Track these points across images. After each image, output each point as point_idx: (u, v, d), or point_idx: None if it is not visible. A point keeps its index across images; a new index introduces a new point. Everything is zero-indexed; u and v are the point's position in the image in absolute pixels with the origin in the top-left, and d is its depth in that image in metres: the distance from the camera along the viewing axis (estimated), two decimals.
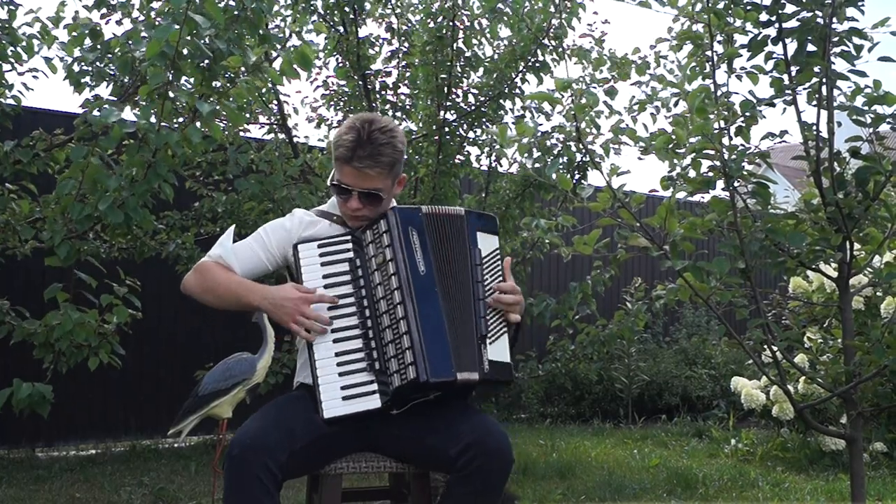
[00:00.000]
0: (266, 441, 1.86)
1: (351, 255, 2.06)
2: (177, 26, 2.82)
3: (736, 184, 2.45)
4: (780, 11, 2.47)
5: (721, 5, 2.50)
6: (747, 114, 2.44)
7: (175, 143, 2.89)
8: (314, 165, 4.82)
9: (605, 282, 4.23)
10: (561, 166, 4.32)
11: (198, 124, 3.03)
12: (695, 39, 2.53)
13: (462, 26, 4.47)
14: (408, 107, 4.82)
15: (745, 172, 2.42)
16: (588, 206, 2.51)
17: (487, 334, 2.02)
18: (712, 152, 2.38)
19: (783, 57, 2.51)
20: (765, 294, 5.65)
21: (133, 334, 3.59)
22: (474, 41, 4.55)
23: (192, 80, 3.15)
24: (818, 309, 4.50)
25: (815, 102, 2.48)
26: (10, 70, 3.64)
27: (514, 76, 4.60)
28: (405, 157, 2.16)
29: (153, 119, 2.92)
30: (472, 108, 4.62)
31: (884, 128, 2.40)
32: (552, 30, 4.49)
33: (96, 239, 3.88)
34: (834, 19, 2.41)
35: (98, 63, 3.59)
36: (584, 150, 4.13)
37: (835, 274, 2.63)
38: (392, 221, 2.03)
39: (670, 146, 2.43)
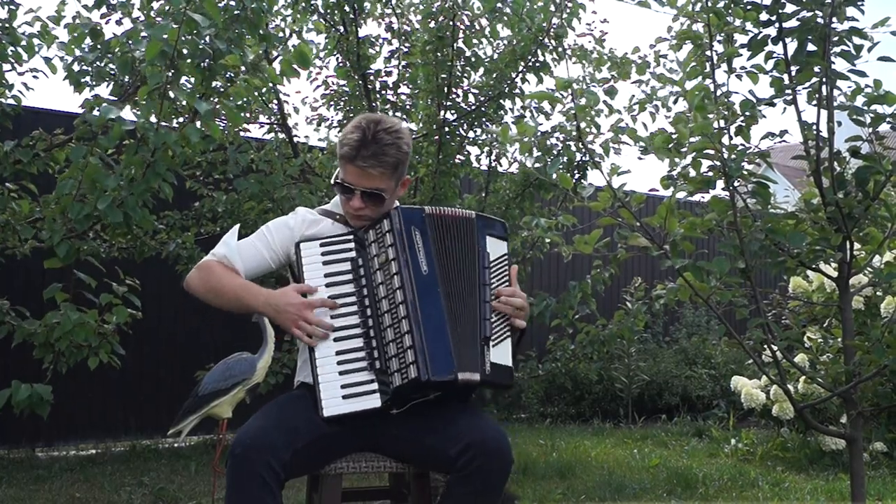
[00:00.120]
0: (269, 440, 1.86)
1: (353, 254, 2.06)
2: (175, 25, 2.82)
3: (736, 183, 2.45)
4: (780, 11, 2.47)
5: (721, 5, 2.50)
6: (747, 113, 2.44)
7: (174, 143, 2.89)
8: (314, 165, 4.82)
9: (605, 281, 4.23)
10: (561, 166, 4.32)
11: (197, 124, 3.03)
12: (694, 39, 2.53)
13: (462, 26, 4.47)
14: (408, 107, 4.82)
15: (745, 172, 2.42)
16: (588, 205, 2.51)
17: (491, 336, 2.02)
18: (712, 152, 2.38)
19: (783, 56, 2.51)
20: (765, 294, 5.65)
21: (133, 334, 3.59)
22: (474, 41, 4.55)
23: (191, 79, 3.15)
24: (818, 309, 4.51)
25: (815, 102, 2.48)
26: (10, 70, 3.64)
27: (514, 76, 4.60)
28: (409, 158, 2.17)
29: (153, 119, 2.92)
30: (473, 107, 4.62)
31: (884, 127, 2.40)
32: (552, 29, 4.49)
33: (96, 239, 3.87)
34: (834, 19, 2.41)
35: (98, 63, 3.59)
36: (584, 150, 4.13)
37: (835, 274, 2.63)
38: (395, 221, 2.03)
39: (671, 145, 2.43)
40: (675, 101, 2.89)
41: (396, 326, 1.97)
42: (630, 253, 2.62)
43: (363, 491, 2.46)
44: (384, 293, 2.01)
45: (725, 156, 2.39)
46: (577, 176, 4.46)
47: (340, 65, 4.86)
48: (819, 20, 2.43)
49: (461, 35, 4.46)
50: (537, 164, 4.29)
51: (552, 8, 4.45)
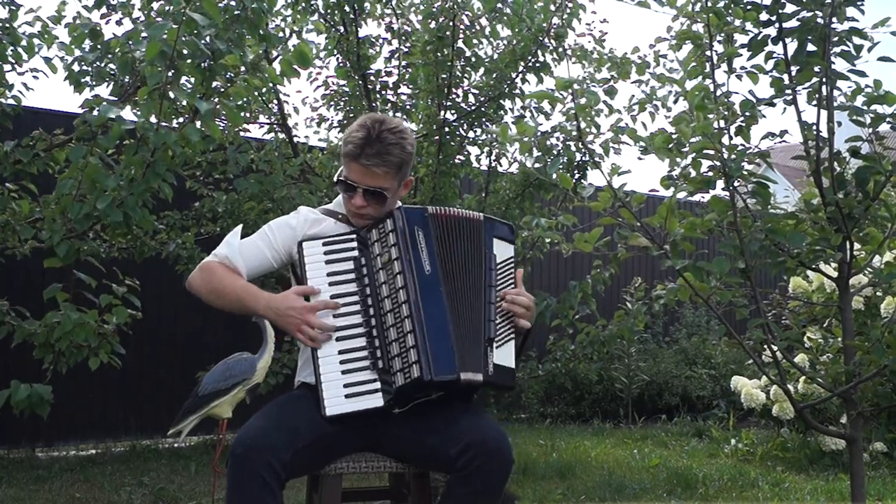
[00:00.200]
0: (269, 440, 1.86)
1: (356, 253, 2.06)
2: (175, 25, 2.82)
3: (736, 184, 2.45)
4: (780, 11, 2.47)
5: (721, 5, 2.50)
6: (747, 113, 2.44)
7: (174, 143, 2.89)
8: (314, 165, 4.82)
9: (605, 280, 4.23)
10: (561, 166, 4.32)
11: (197, 124, 3.03)
12: (694, 39, 2.53)
13: (462, 26, 4.47)
14: (408, 107, 4.82)
15: (745, 172, 2.42)
16: (588, 205, 2.51)
17: (495, 337, 2.03)
18: (712, 152, 2.38)
19: (783, 57, 2.51)
20: (765, 294, 5.65)
21: (133, 334, 3.59)
22: (475, 41, 4.55)
23: (191, 79, 3.15)
24: (818, 309, 4.50)
25: (815, 102, 2.48)
26: (11, 70, 3.64)
27: (514, 76, 4.60)
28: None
29: (153, 119, 2.92)
30: (473, 108, 4.62)
31: (884, 128, 2.40)
32: (552, 30, 4.49)
33: (96, 239, 3.87)
34: (834, 19, 2.41)
35: (98, 63, 3.59)
36: (584, 150, 4.13)
37: (835, 274, 2.63)
38: (398, 221, 2.03)
39: (671, 145, 2.43)
40: (676, 101, 2.89)
41: (399, 326, 1.97)
42: (630, 253, 2.62)
43: (363, 491, 2.46)
44: (387, 293, 2.01)
45: (725, 156, 2.39)
46: (577, 176, 4.46)
47: (340, 65, 4.87)
48: (819, 20, 2.43)
49: (461, 35, 4.47)
50: (537, 164, 4.29)
51: (552, 8, 4.45)
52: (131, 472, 4.46)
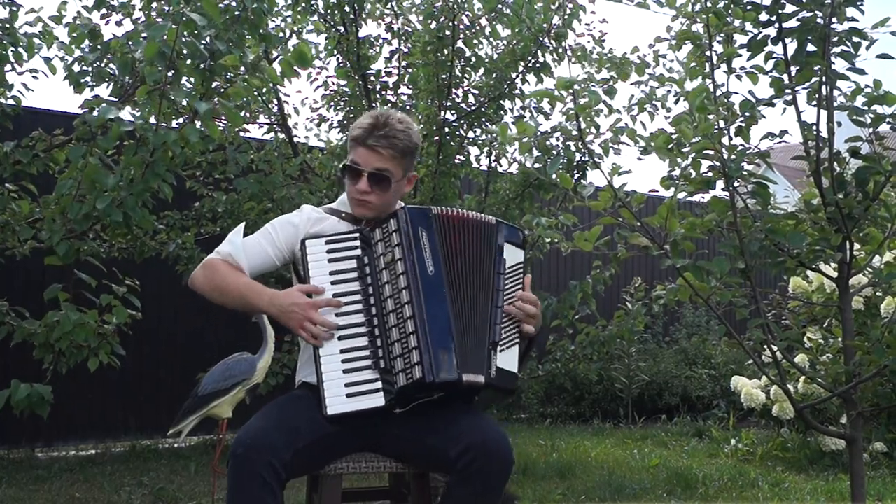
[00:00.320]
0: (270, 440, 1.86)
1: (359, 252, 2.06)
2: (174, 26, 2.82)
3: (736, 184, 2.45)
4: (779, 11, 2.47)
5: (721, 5, 2.50)
6: (747, 114, 2.43)
7: (173, 143, 2.89)
8: (314, 165, 4.82)
9: (606, 280, 4.23)
10: (561, 166, 4.32)
11: (197, 124, 3.03)
12: (694, 39, 2.53)
13: (462, 27, 4.47)
14: (408, 107, 4.82)
15: (744, 172, 2.42)
16: (589, 205, 2.51)
17: (499, 341, 2.02)
18: (712, 152, 2.38)
19: (783, 57, 2.50)
20: (765, 294, 5.65)
21: (133, 335, 3.59)
22: (475, 42, 4.55)
23: (191, 80, 3.15)
24: (818, 309, 4.50)
25: (815, 102, 2.48)
26: (11, 70, 3.64)
27: (514, 76, 4.60)
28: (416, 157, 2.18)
29: (152, 119, 2.92)
30: (473, 108, 4.62)
31: (884, 128, 2.39)
32: (552, 30, 4.49)
33: (96, 239, 3.88)
34: (834, 19, 2.41)
35: (98, 63, 3.59)
36: (584, 150, 4.13)
37: (835, 274, 2.62)
38: (402, 220, 2.03)
39: (671, 145, 2.43)
40: (676, 102, 2.89)
41: (401, 326, 1.96)
42: (630, 252, 2.63)
43: (363, 491, 2.46)
44: (389, 292, 2.00)
45: (725, 156, 2.39)
46: (577, 176, 4.46)
47: (340, 65, 4.87)
48: (819, 20, 2.43)
49: (461, 35, 4.47)
50: (537, 164, 4.29)
51: (552, 8, 4.45)
52: (131, 472, 4.46)
